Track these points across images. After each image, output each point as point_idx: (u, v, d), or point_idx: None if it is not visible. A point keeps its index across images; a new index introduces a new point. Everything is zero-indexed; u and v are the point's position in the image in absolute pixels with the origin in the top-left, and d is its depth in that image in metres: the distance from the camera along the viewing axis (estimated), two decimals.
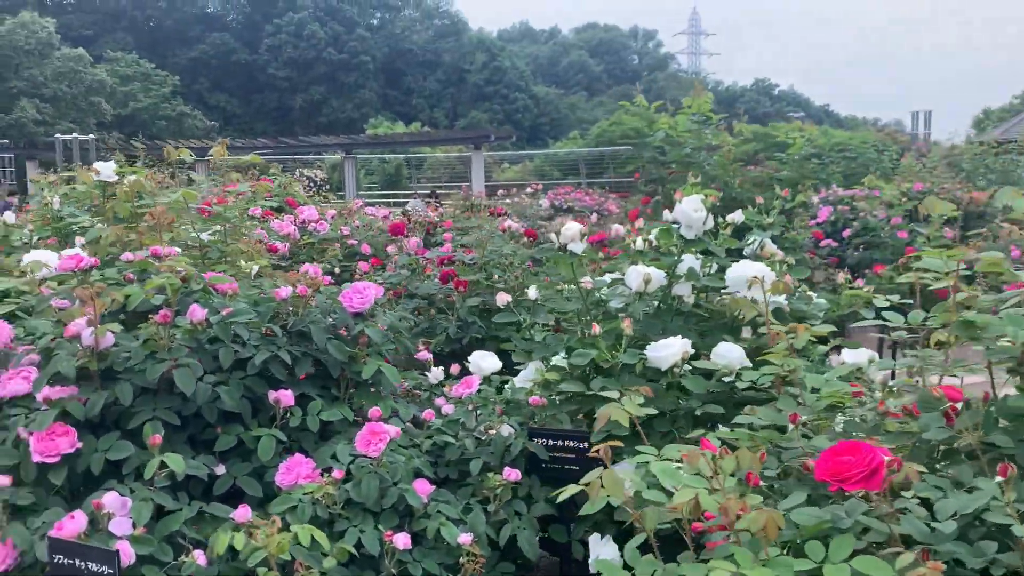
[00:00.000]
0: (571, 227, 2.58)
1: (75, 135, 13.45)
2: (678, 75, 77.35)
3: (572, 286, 2.74)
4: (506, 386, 2.74)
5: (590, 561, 2.22)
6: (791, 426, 1.86)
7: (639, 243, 2.88)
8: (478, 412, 2.47)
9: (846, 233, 6.47)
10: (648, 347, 2.29)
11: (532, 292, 2.75)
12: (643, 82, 73.93)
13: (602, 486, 1.55)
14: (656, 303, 2.63)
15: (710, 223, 2.62)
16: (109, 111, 40.12)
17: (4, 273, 3.75)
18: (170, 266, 2.28)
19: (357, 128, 47.52)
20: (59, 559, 1.66)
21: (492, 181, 27.24)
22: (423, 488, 2.11)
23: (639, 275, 2.43)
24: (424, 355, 2.95)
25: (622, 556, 1.78)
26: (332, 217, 5.62)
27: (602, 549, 2.23)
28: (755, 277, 2.21)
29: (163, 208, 2.58)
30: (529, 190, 10.09)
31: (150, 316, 2.27)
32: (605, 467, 1.57)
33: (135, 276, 2.42)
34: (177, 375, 2.04)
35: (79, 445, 1.98)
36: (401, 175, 37.20)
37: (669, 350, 2.25)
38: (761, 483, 1.62)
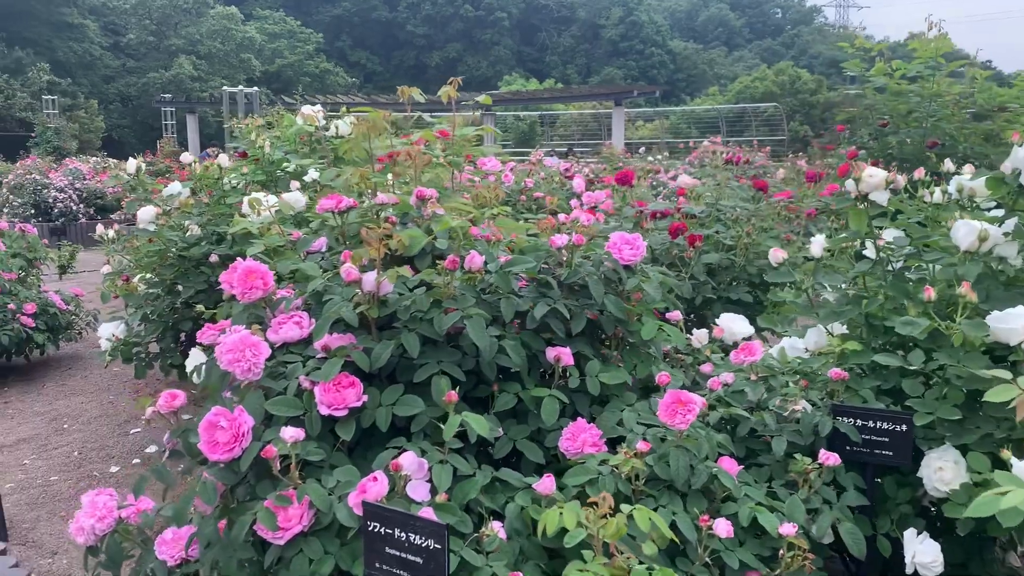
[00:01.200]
0: (874, 173, 2.23)
1: (241, 87, 13.84)
2: (824, 29, 73.17)
3: (865, 241, 2.40)
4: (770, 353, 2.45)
5: (907, 560, 1.93)
6: None
7: (936, 196, 2.51)
8: (769, 383, 2.19)
9: None
10: (991, 316, 1.94)
11: (815, 246, 2.43)
12: (786, 36, 70.69)
13: None
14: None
15: None
16: (258, 67, 41.63)
17: (222, 218, 3.73)
18: (459, 208, 2.10)
19: (492, 86, 47.49)
20: (375, 527, 1.50)
21: (626, 139, 26.57)
22: (731, 467, 1.86)
23: (971, 232, 2.06)
24: (675, 315, 2.68)
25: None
26: (511, 169, 5.43)
27: (919, 547, 1.93)
28: None
29: (419, 146, 2.40)
30: (706, 142, 9.52)
31: (414, 261, 2.11)
32: None
33: (397, 219, 2.25)
34: (470, 326, 1.85)
35: (365, 398, 1.83)
36: (535, 132, 36.94)
37: (1021, 320, 1.89)
38: None
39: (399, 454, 1.76)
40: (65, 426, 4.55)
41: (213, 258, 3.66)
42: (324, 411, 1.80)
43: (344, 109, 4.25)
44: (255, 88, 14.54)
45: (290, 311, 2.10)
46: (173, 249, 3.69)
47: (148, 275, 3.92)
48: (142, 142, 34.04)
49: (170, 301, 3.81)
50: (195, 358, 3.53)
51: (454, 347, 1.98)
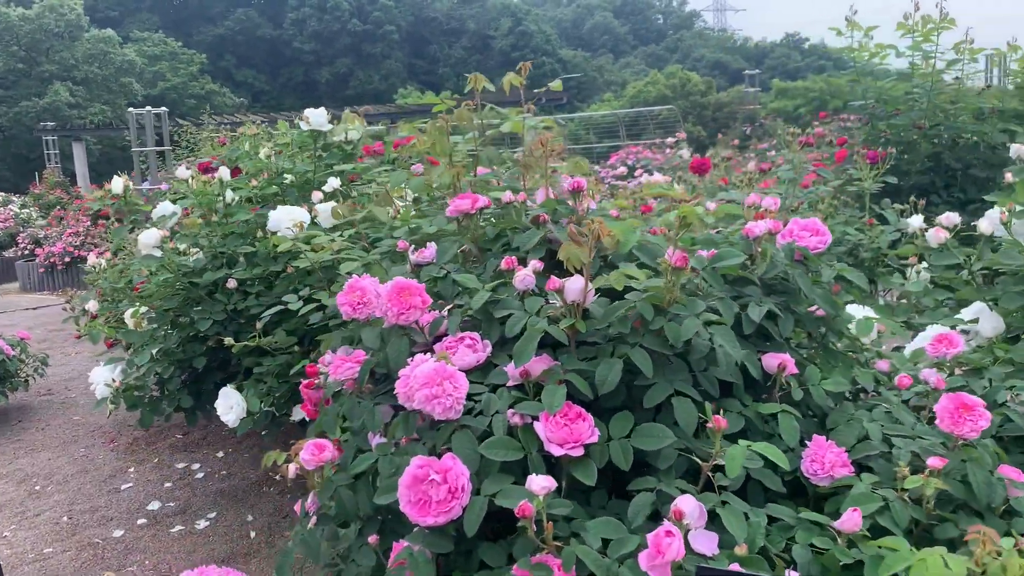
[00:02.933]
0: None
1: (148, 108, 12.93)
2: (704, 33, 75.76)
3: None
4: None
5: None
6: None
7: None
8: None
9: None
10: None
11: (987, 222, 2.22)
12: (670, 41, 72.75)
13: None
14: None
15: None
16: (140, 91, 39.74)
17: (233, 238, 3.28)
18: (620, 204, 1.77)
19: (387, 99, 46.82)
20: None
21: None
22: (1017, 477, 1.61)
23: None
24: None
25: None
26: None
27: None
28: None
29: (550, 135, 2.05)
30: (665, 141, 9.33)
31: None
32: None
33: (548, 216, 1.91)
34: (720, 335, 1.53)
35: (597, 432, 1.49)
36: None
37: None
38: None
39: (656, 498, 1.43)
40: (38, 487, 3.94)
41: (231, 283, 3.20)
42: (556, 451, 1.44)
43: (347, 113, 3.84)
44: (164, 108, 13.64)
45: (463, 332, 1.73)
46: (181, 277, 3.20)
47: (145, 308, 3.41)
48: (17, 175, 31.92)
49: (178, 336, 3.31)
50: (228, 399, 3.07)
51: (680, 359, 1.65)
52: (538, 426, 1.47)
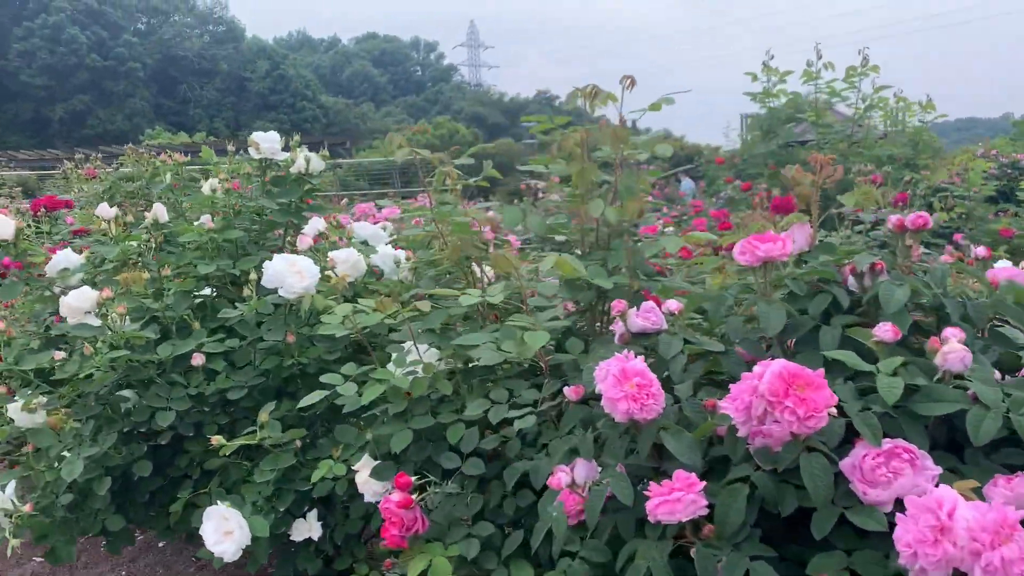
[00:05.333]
0: None
1: None
2: (462, 86, 78.13)
3: None
4: None
5: None
6: None
7: None
8: None
9: None
10: None
11: None
12: (429, 93, 74.13)
13: None
14: None
15: None
16: None
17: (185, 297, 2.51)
18: None
19: (132, 139, 43.16)
20: None
21: None
22: None
23: None
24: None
25: None
26: None
27: None
28: None
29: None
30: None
31: None
32: None
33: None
34: None
35: None
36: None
37: None
38: None
39: None
40: None
41: (198, 359, 2.38)
42: None
43: (295, 140, 3.12)
44: None
45: None
46: (122, 353, 2.32)
47: (46, 396, 2.46)
48: None
49: (115, 435, 2.40)
50: (222, 522, 2.30)
51: None
52: None
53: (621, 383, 1.20)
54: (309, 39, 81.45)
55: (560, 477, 1.29)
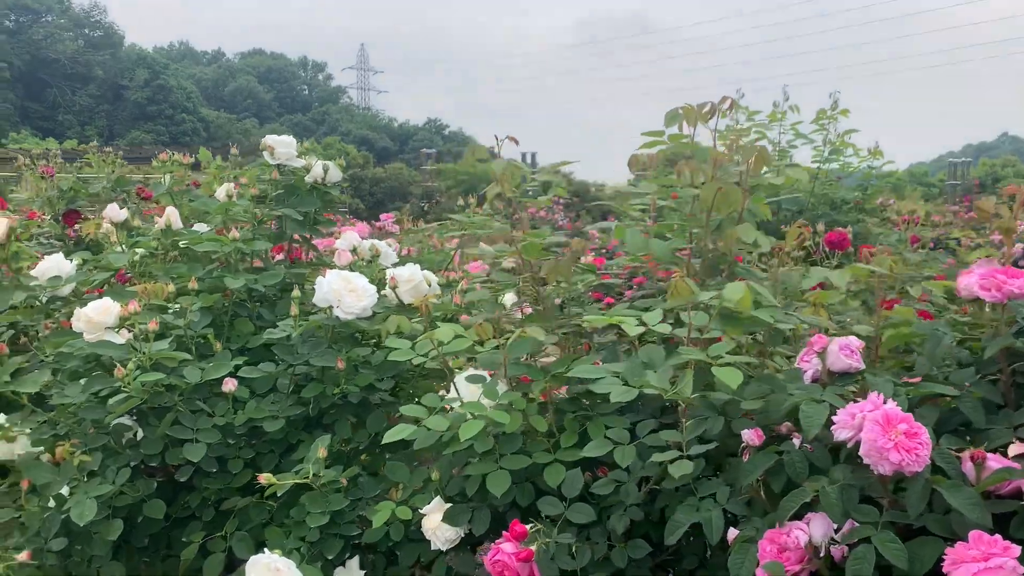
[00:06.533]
0: None
1: None
2: (351, 108, 77.20)
3: None
4: None
5: None
6: None
7: None
8: None
9: None
10: None
11: None
12: (316, 113, 72.77)
13: None
14: None
15: None
16: None
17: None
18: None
19: None
20: None
21: None
22: None
23: None
24: None
25: None
26: None
27: None
28: None
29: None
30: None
31: None
32: None
33: None
34: None
35: None
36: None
37: None
38: None
39: None
40: None
41: (229, 385, 2.10)
42: None
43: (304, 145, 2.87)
44: None
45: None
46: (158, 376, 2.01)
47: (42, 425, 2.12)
48: None
49: (128, 471, 2.07)
50: (271, 571, 2.04)
51: None
52: None
53: (886, 430, 1.09)
54: (192, 51, 78.65)
55: (796, 536, 1.15)
